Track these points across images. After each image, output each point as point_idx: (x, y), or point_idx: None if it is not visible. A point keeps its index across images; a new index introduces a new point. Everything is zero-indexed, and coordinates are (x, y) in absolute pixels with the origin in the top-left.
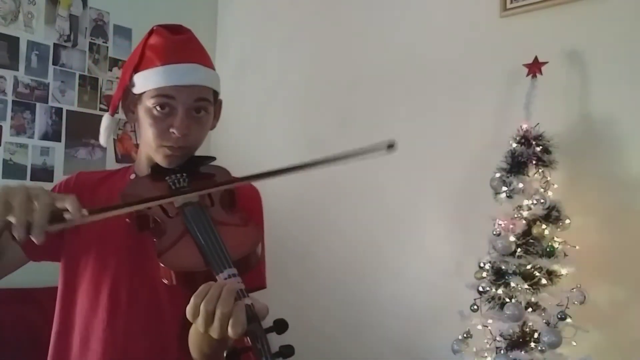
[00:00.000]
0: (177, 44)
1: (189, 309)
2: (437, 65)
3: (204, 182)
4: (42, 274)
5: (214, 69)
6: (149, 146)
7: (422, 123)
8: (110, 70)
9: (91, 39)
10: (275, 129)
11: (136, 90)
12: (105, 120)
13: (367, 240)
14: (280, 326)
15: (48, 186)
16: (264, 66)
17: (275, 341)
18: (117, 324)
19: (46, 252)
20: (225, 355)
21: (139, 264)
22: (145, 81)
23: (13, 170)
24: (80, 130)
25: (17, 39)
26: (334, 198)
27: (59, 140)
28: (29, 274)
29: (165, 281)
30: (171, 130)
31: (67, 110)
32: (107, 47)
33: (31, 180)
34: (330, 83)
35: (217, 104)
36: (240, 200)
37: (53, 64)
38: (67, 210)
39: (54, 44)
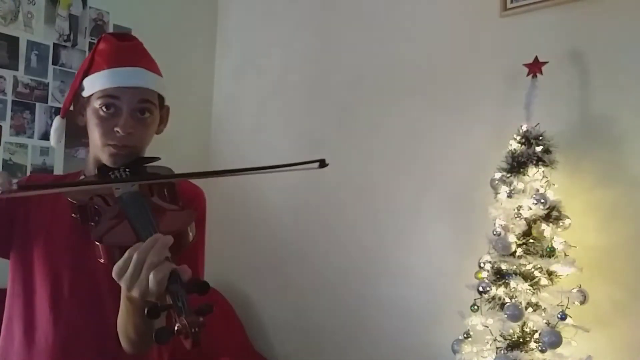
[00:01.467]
0: (123, 49)
1: (120, 262)
2: (437, 65)
3: (144, 175)
4: None
5: (160, 75)
6: (96, 146)
7: (422, 123)
8: None
9: (91, 38)
10: (275, 129)
11: (85, 93)
12: (56, 122)
13: (367, 240)
14: (202, 287)
15: None
16: (264, 66)
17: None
18: (60, 316)
19: None
20: (145, 311)
21: (81, 257)
22: (93, 84)
23: (13, 170)
24: (80, 130)
25: (17, 38)
26: (334, 198)
27: (59, 140)
28: None
29: (101, 260)
30: (116, 129)
31: None
32: None
33: None
34: (330, 83)
35: (164, 109)
36: (182, 199)
37: (53, 63)
38: None
39: (54, 43)
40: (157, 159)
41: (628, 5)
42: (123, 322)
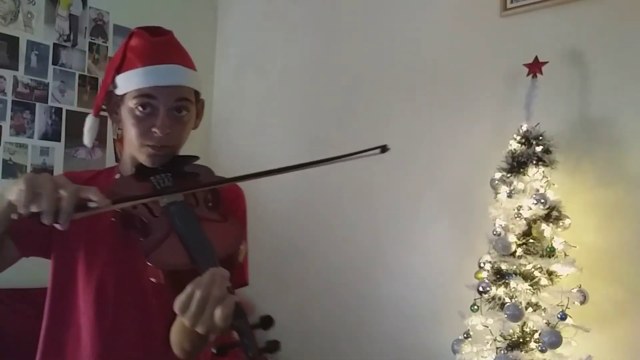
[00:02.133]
0: (157, 45)
1: (182, 298)
2: (437, 65)
3: (189, 181)
4: (41, 273)
5: (195, 69)
6: (133, 146)
7: (423, 123)
8: None
9: (91, 38)
10: (275, 129)
11: (118, 91)
12: (89, 121)
13: (368, 240)
14: (266, 322)
15: None
16: (264, 66)
17: (262, 337)
18: (105, 320)
19: (38, 248)
20: (215, 351)
21: (126, 261)
22: (127, 82)
23: (13, 170)
24: (80, 130)
25: (17, 38)
26: (334, 198)
27: (59, 140)
28: (28, 274)
29: (153, 279)
30: (153, 129)
31: (66, 110)
32: (107, 47)
33: None
34: (330, 83)
35: (199, 103)
36: (224, 200)
37: (53, 63)
38: (90, 199)
39: (54, 43)
40: (196, 157)
41: (628, 5)
42: (179, 337)
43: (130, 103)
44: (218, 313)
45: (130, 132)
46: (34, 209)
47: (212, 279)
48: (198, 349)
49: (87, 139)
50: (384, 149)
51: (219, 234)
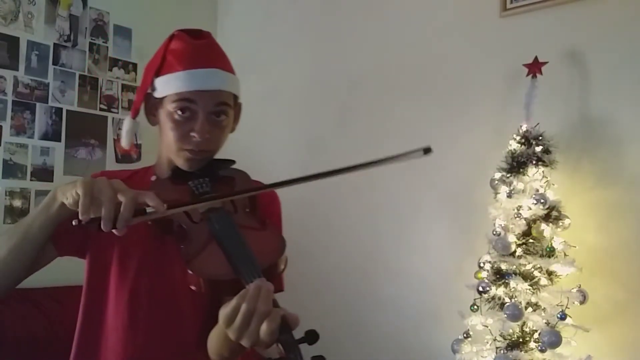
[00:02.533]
0: (198, 48)
1: (228, 311)
2: (437, 65)
3: (226, 186)
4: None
5: (233, 72)
6: (170, 149)
7: (422, 123)
8: (110, 70)
9: (91, 39)
10: (275, 129)
11: (157, 94)
12: (127, 123)
13: (368, 240)
14: (312, 337)
15: (50, 187)
16: (264, 66)
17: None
18: (138, 324)
19: (76, 249)
20: None
21: (160, 265)
22: (167, 86)
23: (13, 170)
24: (80, 130)
25: (17, 39)
26: (334, 198)
27: (59, 140)
28: None
29: (193, 287)
30: (192, 134)
31: (67, 110)
32: (107, 47)
33: (31, 180)
34: (330, 83)
35: (237, 107)
36: (260, 204)
37: (53, 64)
38: (148, 204)
39: (54, 44)
40: (233, 162)
41: (628, 6)
42: (218, 344)
43: (169, 107)
44: (264, 328)
45: (169, 136)
46: (93, 215)
47: (258, 293)
48: (236, 356)
49: (125, 141)
50: (427, 150)
51: (261, 244)
